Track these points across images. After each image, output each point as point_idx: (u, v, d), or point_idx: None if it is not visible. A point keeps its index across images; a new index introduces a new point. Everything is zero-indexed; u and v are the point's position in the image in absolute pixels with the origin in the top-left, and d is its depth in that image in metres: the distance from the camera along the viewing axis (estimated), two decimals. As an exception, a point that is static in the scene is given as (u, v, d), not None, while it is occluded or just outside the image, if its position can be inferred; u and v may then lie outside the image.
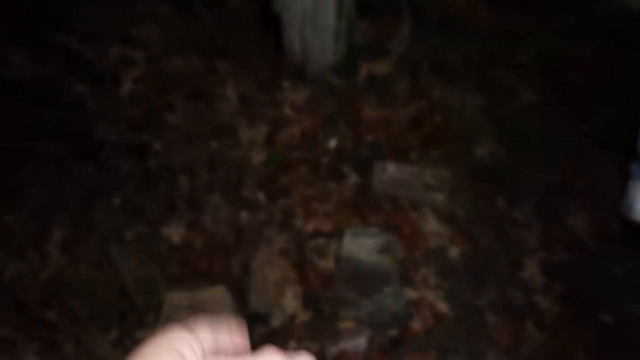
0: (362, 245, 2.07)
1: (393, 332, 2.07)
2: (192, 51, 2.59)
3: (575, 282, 2.71)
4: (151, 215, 2.46)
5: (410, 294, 2.16)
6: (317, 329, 2.05)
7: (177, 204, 2.41)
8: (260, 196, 2.38)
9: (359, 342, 2.02)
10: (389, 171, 2.44)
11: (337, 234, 2.26)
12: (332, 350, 1.98)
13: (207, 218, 2.39)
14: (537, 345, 2.44)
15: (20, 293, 2.03)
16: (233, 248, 2.30)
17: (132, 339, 2.10)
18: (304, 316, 2.06)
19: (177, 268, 2.25)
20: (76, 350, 2.08)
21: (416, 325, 2.09)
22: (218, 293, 2.07)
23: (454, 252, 2.37)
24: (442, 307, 2.15)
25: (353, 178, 2.48)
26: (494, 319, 2.39)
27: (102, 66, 2.29)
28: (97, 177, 2.68)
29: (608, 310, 2.60)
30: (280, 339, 2.00)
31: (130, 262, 2.24)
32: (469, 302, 2.29)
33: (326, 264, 2.12)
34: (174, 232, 2.33)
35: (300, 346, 2.00)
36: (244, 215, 2.39)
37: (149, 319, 2.12)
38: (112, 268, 2.27)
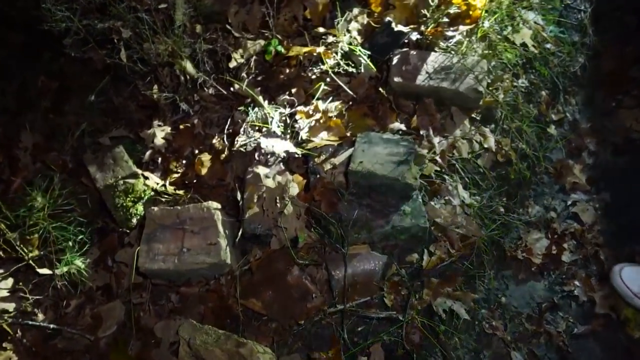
0: (376, 155, 1.71)
1: (413, 258, 1.78)
2: None
3: (622, 189, 2.37)
4: (131, 116, 2.11)
5: (434, 212, 1.83)
6: (323, 253, 1.76)
7: (159, 103, 2.05)
8: (257, 93, 1.99)
9: (372, 269, 1.73)
10: (411, 61, 2.01)
11: (348, 141, 1.89)
12: (341, 277, 1.71)
13: (194, 119, 2.04)
14: (573, 264, 2.16)
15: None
16: (225, 157, 1.97)
17: (114, 260, 1.86)
18: (308, 238, 1.76)
19: (162, 177, 1.95)
20: (53, 274, 1.86)
21: (440, 249, 1.79)
22: (207, 210, 1.77)
23: (485, 160, 2.01)
24: (473, 226, 1.83)
25: (367, 70, 2.06)
26: (527, 237, 2.08)
27: None
28: (69, 69, 2.30)
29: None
30: (281, 265, 1.73)
31: (108, 171, 1.94)
32: (502, 221, 1.97)
33: (335, 177, 1.78)
34: (158, 136, 2.00)
35: (304, 273, 1.74)
36: (238, 116, 2.03)
37: (130, 238, 1.85)
38: (88, 179, 1.98)
